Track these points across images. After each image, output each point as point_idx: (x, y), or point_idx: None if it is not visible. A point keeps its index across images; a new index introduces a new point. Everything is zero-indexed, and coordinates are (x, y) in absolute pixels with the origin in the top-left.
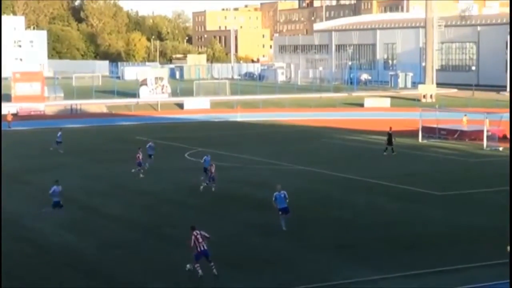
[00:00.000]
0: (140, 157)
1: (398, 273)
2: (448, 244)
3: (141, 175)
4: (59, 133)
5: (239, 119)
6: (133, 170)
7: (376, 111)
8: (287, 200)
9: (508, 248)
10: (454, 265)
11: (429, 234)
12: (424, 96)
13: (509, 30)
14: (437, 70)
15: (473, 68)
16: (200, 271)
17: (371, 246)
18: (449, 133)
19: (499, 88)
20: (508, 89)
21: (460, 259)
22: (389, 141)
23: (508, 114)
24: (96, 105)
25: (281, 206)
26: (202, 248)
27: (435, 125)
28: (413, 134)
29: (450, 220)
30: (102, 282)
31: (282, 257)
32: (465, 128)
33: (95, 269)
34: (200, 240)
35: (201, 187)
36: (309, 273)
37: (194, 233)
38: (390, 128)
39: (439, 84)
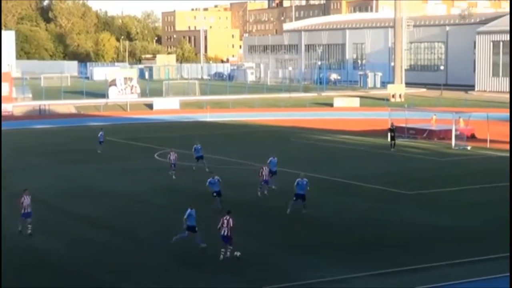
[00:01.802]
0: (172, 157)
1: (369, 272)
2: (418, 243)
3: (173, 177)
4: (101, 133)
5: (208, 119)
6: (170, 173)
7: (345, 110)
8: (308, 188)
9: None
10: (425, 263)
11: (400, 233)
12: (393, 96)
13: (476, 30)
14: (406, 70)
15: (442, 67)
16: (222, 253)
17: (343, 245)
18: (418, 133)
19: (467, 87)
20: (509, 89)
21: (430, 258)
22: (393, 137)
23: (476, 114)
24: (64, 106)
25: (299, 192)
26: (223, 233)
27: (404, 125)
28: (383, 133)
29: (420, 219)
30: (71, 282)
31: (254, 256)
32: (433, 128)
33: (63, 269)
34: (225, 225)
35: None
36: (280, 273)
37: (225, 216)
38: (392, 124)
39: (408, 84)
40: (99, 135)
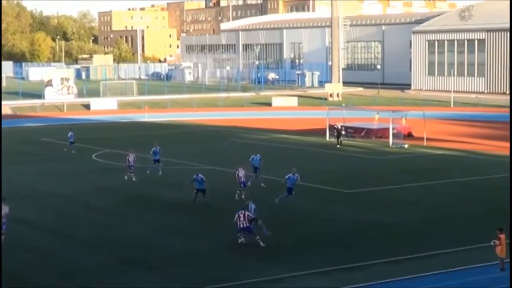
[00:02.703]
0: (130, 159)
1: (307, 271)
2: (355, 241)
3: (134, 179)
4: (70, 133)
5: (147, 119)
6: (126, 177)
7: (284, 110)
8: (298, 183)
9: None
10: (362, 261)
11: (337, 231)
12: (331, 95)
13: (412, 29)
14: (343, 69)
15: (378, 67)
16: (241, 239)
17: (280, 244)
18: (356, 131)
19: (404, 86)
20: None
21: (367, 256)
22: (339, 135)
23: (412, 112)
24: None
25: (289, 186)
26: (242, 225)
27: (342, 123)
28: (321, 132)
29: (357, 217)
30: (12, 283)
31: (191, 257)
32: (373, 126)
33: (4, 271)
34: (242, 218)
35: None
36: (218, 273)
37: (240, 211)
38: (337, 123)
39: (346, 83)
40: (68, 135)
